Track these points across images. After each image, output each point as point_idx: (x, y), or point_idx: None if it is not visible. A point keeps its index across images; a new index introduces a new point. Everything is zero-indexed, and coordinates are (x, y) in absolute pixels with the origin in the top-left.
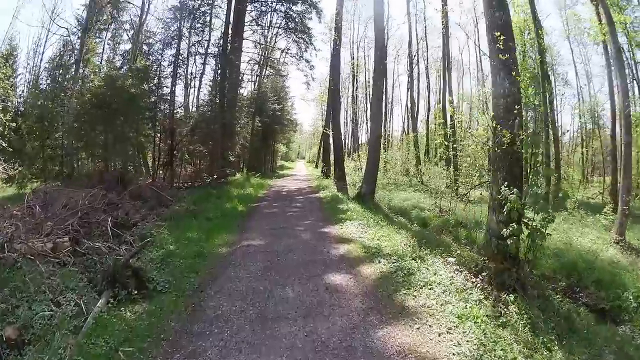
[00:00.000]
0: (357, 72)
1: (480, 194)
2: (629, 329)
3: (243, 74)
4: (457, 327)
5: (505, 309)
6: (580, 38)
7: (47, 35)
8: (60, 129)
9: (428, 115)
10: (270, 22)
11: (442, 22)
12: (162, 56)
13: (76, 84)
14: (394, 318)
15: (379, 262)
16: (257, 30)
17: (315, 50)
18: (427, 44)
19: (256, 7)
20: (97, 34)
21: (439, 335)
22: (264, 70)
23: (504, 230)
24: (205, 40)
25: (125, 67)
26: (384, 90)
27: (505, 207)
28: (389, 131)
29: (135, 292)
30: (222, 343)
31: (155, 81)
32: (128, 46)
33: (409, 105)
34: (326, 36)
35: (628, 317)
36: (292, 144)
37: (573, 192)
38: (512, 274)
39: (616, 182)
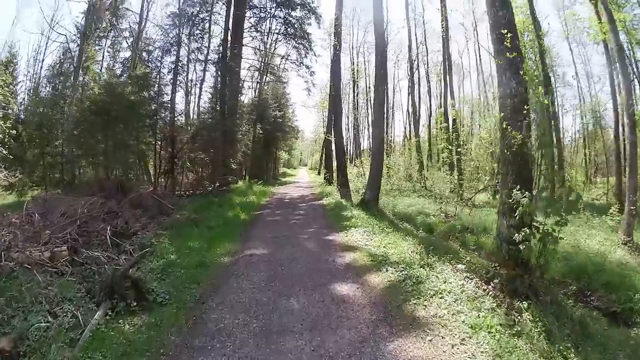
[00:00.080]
0: (357, 78)
1: (490, 197)
2: None
3: (243, 80)
4: (470, 337)
5: (519, 317)
6: (579, 38)
7: (46, 43)
8: (60, 137)
9: (430, 120)
10: (270, 28)
11: (442, 25)
12: (161, 63)
13: (75, 91)
14: (405, 330)
15: (387, 270)
16: (256, 36)
17: (315, 56)
18: (426, 47)
19: (255, 13)
20: (97, 42)
21: (452, 347)
22: (265, 77)
23: (516, 235)
24: (205, 47)
25: (125, 75)
26: (385, 95)
27: (517, 211)
28: (391, 136)
29: (135, 303)
30: (225, 359)
31: (155, 88)
32: (128, 54)
33: (411, 109)
34: (325, 42)
35: None
36: (294, 151)
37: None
38: (524, 280)
39: (621, 183)
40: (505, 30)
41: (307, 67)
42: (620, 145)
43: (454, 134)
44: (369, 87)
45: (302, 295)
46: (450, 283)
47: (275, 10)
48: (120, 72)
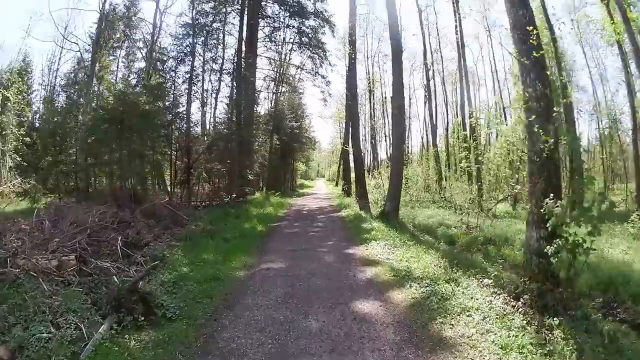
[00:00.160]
0: (373, 87)
1: (510, 207)
2: None
3: (259, 91)
4: (501, 359)
5: (550, 335)
6: (592, 40)
7: (60, 52)
8: (74, 145)
9: (447, 129)
10: (284, 38)
11: (456, 30)
12: (175, 73)
13: (89, 100)
14: (432, 352)
15: (410, 286)
16: (271, 47)
17: (331, 65)
18: (441, 55)
19: (269, 23)
20: (111, 52)
21: None
22: (280, 87)
23: (548, 247)
24: (219, 57)
25: (139, 85)
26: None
27: (550, 222)
28: (408, 147)
29: (142, 318)
30: None
31: (170, 98)
32: (142, 64)
33: (428, 119)
34: (340, 52)
35: None
36: (312, 162)
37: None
38: (555, 294)
39: None
40: (531, 27)
41: (323, 76)
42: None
43: (473, 143)
44: (385, 97)
45: (322, 314)
46: (477, 299)
47: (288, 20)
48: (135, 82)
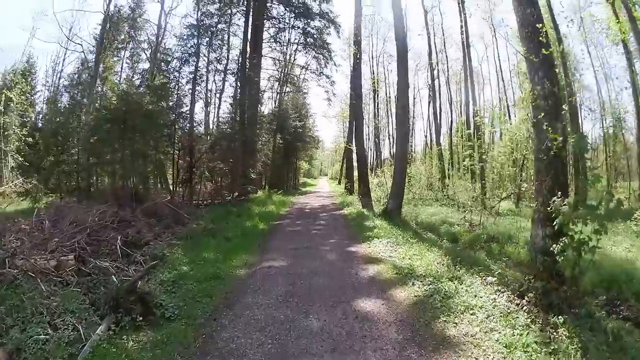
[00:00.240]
0: (377, 87)
1: (513, 204)
2: None
3: (263, 91)
4: (505, 358)
5: (555, 333)
6: (597, 39)
7: (64, 53)
8: (76, 145)
9: (451, 128)
10: (289, 39)
11: (462, 29)
12: (179, 74)
13: (93, 100)
14: (435, 351)
15: (413, 284)
16: (275, 47)
17: (336, 65)
18: (446, 55)
19: (274, 24)
20: (115, 53)
21: None
22: (284, 87)
23: (554, 246)
24: (224, 57)
25: (143, 85)
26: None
27: (557, 220)
28: (411, 145)
29: (141, 318)
30: None
31: (173, 98)
32: (147, 65)
33: (432, 118)
34: (345, 52)
35: None
36: (315, 161)
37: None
38: (559, 293)
39: None
40: (540, 25)
41: (328, 76)
42: None
43: (478, 141)
44: (389, 97)
45: (323, 312)
46: (481, 297)
47: (294, 21)
48: (139, 83)
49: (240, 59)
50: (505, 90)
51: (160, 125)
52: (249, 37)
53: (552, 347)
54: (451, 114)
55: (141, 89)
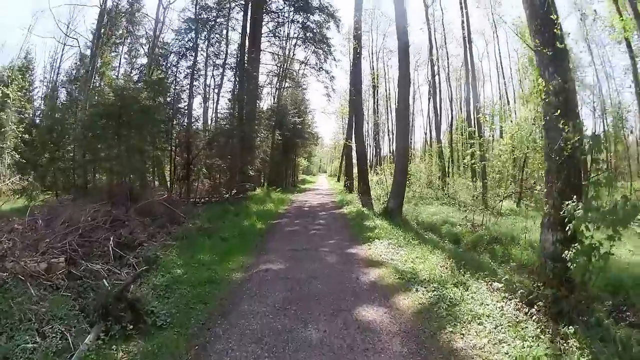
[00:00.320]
0: (377, 83)
1: (514, 204)
2: None
3: (262, 86)
4: None
5: (565, 344)
6: (599, 37)
7: (62, 49)
8: (72, 142)
9: (451, 125)
10: (288, 34)
11: (463, 24)
12: (177, 68)
13: (90, 96)
14: None
15: (417, 290)
16: (274, 42)
17: (335, 60)
18: (447, 51)
19: (273, 18)
20: (113, 48)
21: None
22: (284, 82)
23: (567, 252)
24: (222, 52)
25: (141, 81)
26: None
27: (570, 225)
28: (412, 142)
29: (131, 327)
30: None
31: (171, 93)
32: (145, 60)
33: (432, 114)
34: (345, 48)
35: None
36: (314, 158)
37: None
38: (570, 301)
39: None
40: (555, 17)
41: (327, 71)
42: None
43: (480, 138)
44: (389, 93)
45: (323, 322)
46: (488, 305)
47: (293, 15)
48: (137, 78)
49: (238, 53)
50: (506, 87)
51: (157, 120)
52: (248, 31)
53: None
54: (451, 111)
55: (139, 84)
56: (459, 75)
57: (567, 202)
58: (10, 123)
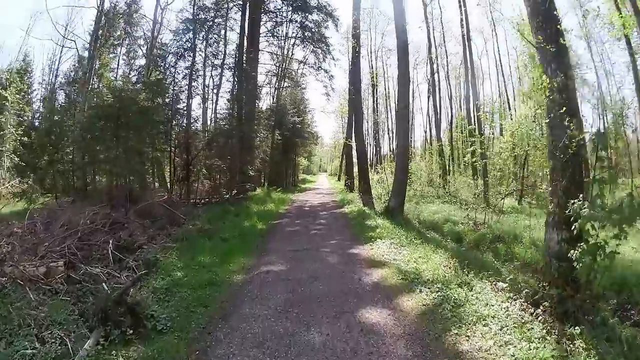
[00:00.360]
0: (376, 82)
1: (516, 201)
2: None
3: (261, 86)
4: None
5: (571, 345)
6: (598, 34)
7: (60, 51)
8: (71, 144)
9: (451, 123)
10: (286, 33)
11: (462, 22)
12: (175, 69)
13: (89, 98)
14: None
15: (420, 291)
16: (273, 42)
17: (334, 60)
18: (445, 50)
19: (271, 17)
20: (111, 50)
21: None
22: (282, 82)
23: (572, 252)
24: (221, 52)
25: (139, 82)
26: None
27: (576, 224)
28: (412, 141)
29: (131, 331)
30: None
31: (170, 94)
32: (143, 61)
33: (432, 113)
34: (343, 47)
35: None
36: (314, 157)
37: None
38: (575, 301)
39: None
40: (557, 12)
41: (326, 71)
42: None
43: (480, 136)
44: (388, 92)
45: (325, 325)
46: (493, 306)
47: (291, 15)
48: (135, 79)
49: (237, 53)
50: (506, 85)
51: (156, 122)
52: (246, 31)
53: None
54: (451, 109)
55: (138, 85)
56: (458, 73)
57: (572, 201)
58: (9, 126)
